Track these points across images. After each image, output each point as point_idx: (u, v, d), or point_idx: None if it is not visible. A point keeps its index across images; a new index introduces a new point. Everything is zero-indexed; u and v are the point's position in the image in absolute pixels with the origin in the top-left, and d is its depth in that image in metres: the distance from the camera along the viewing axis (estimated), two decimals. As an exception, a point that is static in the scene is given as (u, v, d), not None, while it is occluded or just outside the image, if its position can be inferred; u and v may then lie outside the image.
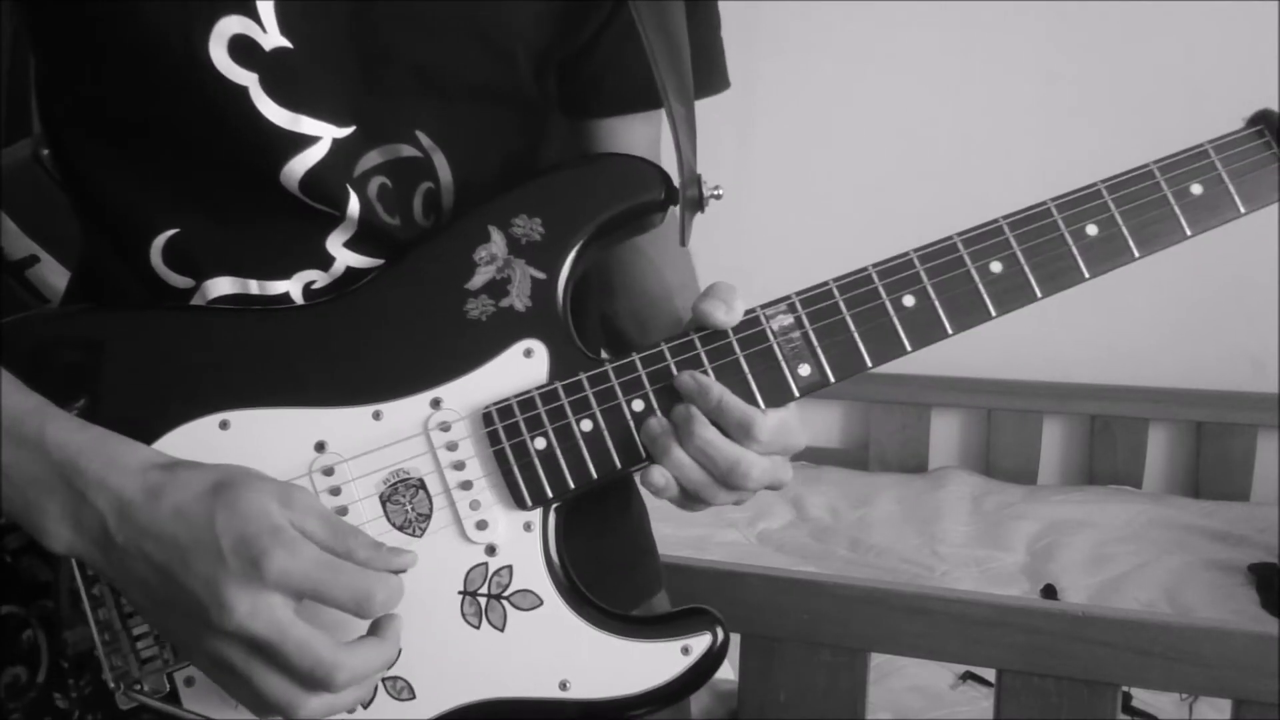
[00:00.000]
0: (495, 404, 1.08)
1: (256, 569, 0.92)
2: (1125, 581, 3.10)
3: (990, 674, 1.93)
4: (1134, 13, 3.48)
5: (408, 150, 1.13)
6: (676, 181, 1.12)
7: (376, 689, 1.06)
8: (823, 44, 3.81)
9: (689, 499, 1.09)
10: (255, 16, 1.05)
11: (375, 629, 0.99)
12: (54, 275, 1.92)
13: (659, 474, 1.06)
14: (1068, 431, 3.85)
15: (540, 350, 1.09)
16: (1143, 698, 2.47)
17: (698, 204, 1.13)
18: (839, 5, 3.73)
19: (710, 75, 1.24)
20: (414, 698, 1.07)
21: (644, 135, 1.26)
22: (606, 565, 1.18)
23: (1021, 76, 3.68)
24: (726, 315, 1.08)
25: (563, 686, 1.07)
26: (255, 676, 0.94)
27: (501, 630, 1.07)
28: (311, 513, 0.97)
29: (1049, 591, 3.05)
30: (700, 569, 1.86)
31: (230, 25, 1.04)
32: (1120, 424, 3.74)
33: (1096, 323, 3.48)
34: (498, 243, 1.10)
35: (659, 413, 1.08)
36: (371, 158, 1.11)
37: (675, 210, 1.14)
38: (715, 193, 1.13)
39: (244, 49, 1.05)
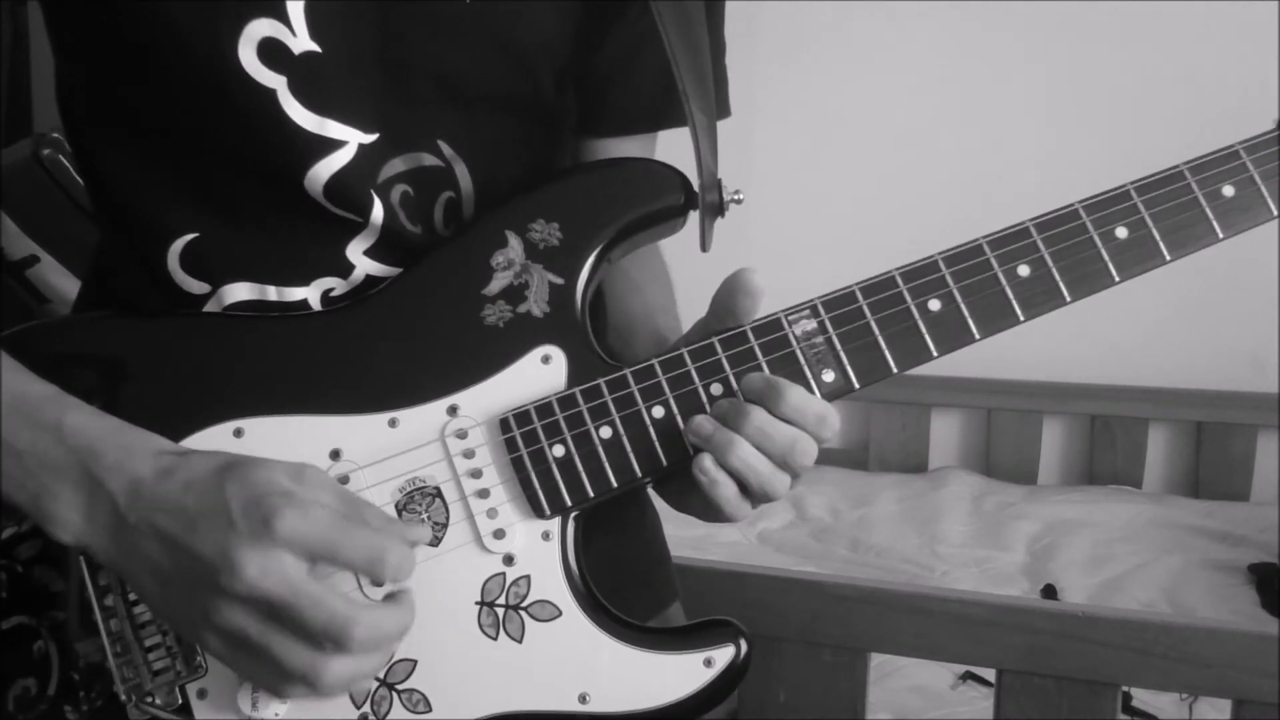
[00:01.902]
0: (513, 411, 1.06)
1: (267, 527, 0.90)
2: (1125, 581, 3.10)
3: (990, 674, 1.94)
4: (1134, 13, 3.48)
5: (430, 159, 1.12)
6: (696, 186, 1.11)
7: (392, 701, 1.04)
8: (823, 46, 3.81)
9: (744, 495, 1.05)
10: (285, 19, 1.04)
11: (390, 597, 0.98)
12: (54, 275, 1.92)
13: (709, 462, 1.03)
14: (1068, 431, 3.85)
15: (558, 356, 1.08)
16: (1143, 698, 2.48)
17: (718, 209, 1.12)
18: (840, 6, 3.73)
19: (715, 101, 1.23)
20: (430, 710, 1.05)
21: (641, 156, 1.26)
22: (623, 576, 1.16)
23: (1023, 77, 3.68)
24: (761, 279, 1.06)
25: (582, 700, 1.05)
26: (272, 644, 0.92)
27: (519, 642, 1.05)
28: (323, 486, 0.96)
29: (1049, 591, 3.04)
30: (700, 569, 1.86)
31: (260, 28, 1.03)
32: (1120, 424, 3.74)
33: (1096, 323, 3.47)
34: (515, 248, 1.09)
35: (679, 417, 1.06)
36: (395, 165, 1.10)
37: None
38: (735, 197, 1.12)
39: (273, 52, 1.04)
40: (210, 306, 1.11)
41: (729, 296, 1.07)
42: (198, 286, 1.11)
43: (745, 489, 1.05)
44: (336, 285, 1.11)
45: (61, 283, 1.90)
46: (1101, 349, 3.69)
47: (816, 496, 3.66)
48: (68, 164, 1.93)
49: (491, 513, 1.06)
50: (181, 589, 0.95)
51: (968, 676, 2.60)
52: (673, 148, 1.26)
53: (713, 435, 1.03)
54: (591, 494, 1.06)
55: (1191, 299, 3.55)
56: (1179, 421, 3.73)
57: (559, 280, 1.08)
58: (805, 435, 1.03)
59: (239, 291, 1.11)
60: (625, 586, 1.12)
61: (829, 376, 1.06)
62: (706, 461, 1.03)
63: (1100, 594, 3.04)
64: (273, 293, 1.10)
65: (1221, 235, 1.09)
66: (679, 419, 1.06)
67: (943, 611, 1.79)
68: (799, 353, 1.06)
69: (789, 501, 3.63)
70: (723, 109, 1.25)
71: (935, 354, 1.07)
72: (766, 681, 1.86)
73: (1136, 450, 3.75)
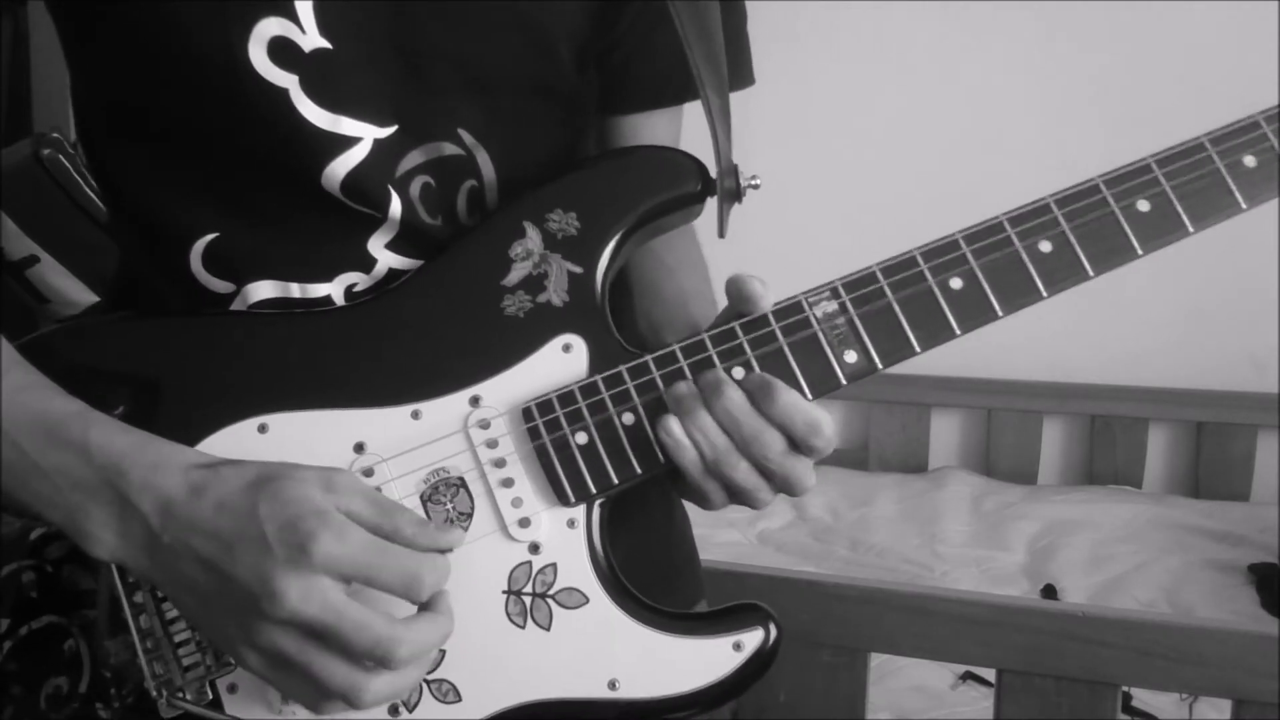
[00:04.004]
0: (535, 400, 1.06)
1: (304, 553, 0.91)
2: (1125, 581, 3.11)
3: (990, 674, 1.95)
4: (1134, 12, 3.48)
5: (450, 149, 1.11)
6: (713, 172, 1.11)
7: (422, 692, 1.04)
8: (823, 43, 3.80)
9: (708, 472, 1.04)
10: (294, 17, 1.03)
11: (426, 604, 0.98)
12: (54, 275, 1.92)
13: (676, 425, 1.03)
14: (1068, 431, 3.84)
15: (579, 345, 1.08)
16: (1143, 698, 2.49)
17: (735, 194, 1.12)
18: (840, 5, 3.73)
19: (737, 71, 1.22)
20: (460, 700, 1.05)
21: (667, 131, 1.25)
22: (650, 573, 1.15)
23: (1022, 75, 3.68)
24: (763, 288, 1.06)
25: (612, 686, 1.05)
26: (313, 664, 0.93)
27: (547, 630, 1.05)
28: (356, 493, 0.97)
29: (1049, 591, 3.05)
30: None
31: (269, 27, 1.03)
32: (1120, 424, 3.74)
33: (1096, 323, 3.48)
34: (533, 238, 1.09)
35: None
36: (414, 157, 1.10)
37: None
38: (753, 182, 1.11)
39: (283, 50, 1.04)
40: (235, 305, 1.11)
41: (737, 302, 1.08)
42: (222, 286, 1.11)
43: (704, 462, 1.04)
44: (360, 280, 1.11)
45: (61, 283, 1.90)
46: (1101, 349, 3.69)
47: (816, 496, 3.64)
48: (68, 164, 1.93)
49: (516, 501, 1.06)
50: (221, 610, 0.95)
51: (968, 676, 2.61)
52: (687, 134, 1.26)
53: (684, 398, 1.04)
54: (616, 480, 1.06)
55: (1191, 299, 3.56)
56: (1179, 421, 3.73)
57: (578, 269, 1.08)
58: (771, 431, 1.02)
59: (263, 289, 1.10)
60: (652, 585, 1.11)
61: (851, 357, 1.06)
62: (671, 422, 1.04)
63: (1100, 594, 3.05)
64: (296, 290, 1.10)
65: (1245, 206, 1.08)
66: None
67: (943, 611, 1.80)
68: (821, 335, 1.06)
69: (789, 502, 3.60)
70: (746, 78, 1.26)
71: (959, 332, 1.06)
72: (766, 681, 1.85)
73: (1136, 450, 3.74)
